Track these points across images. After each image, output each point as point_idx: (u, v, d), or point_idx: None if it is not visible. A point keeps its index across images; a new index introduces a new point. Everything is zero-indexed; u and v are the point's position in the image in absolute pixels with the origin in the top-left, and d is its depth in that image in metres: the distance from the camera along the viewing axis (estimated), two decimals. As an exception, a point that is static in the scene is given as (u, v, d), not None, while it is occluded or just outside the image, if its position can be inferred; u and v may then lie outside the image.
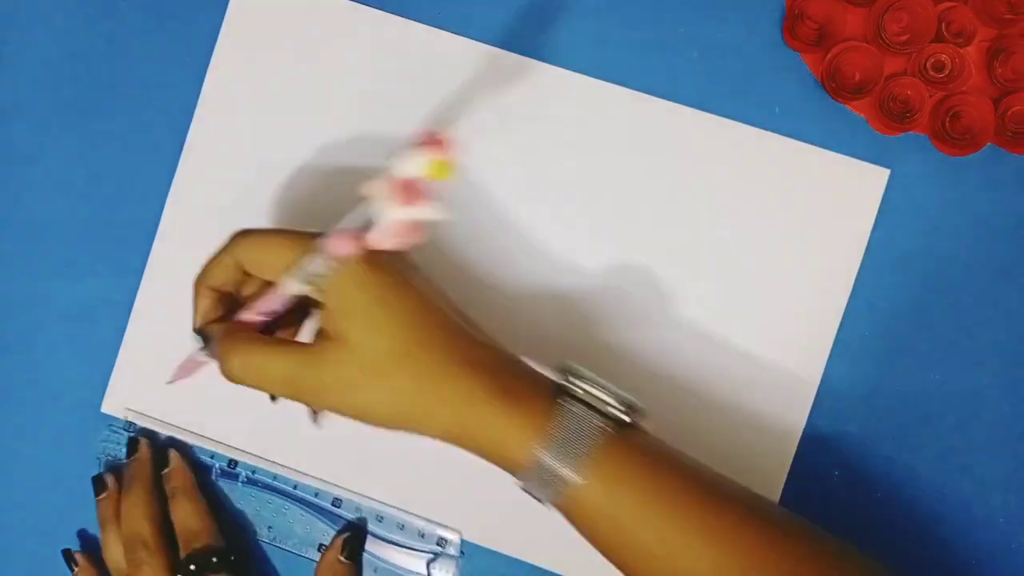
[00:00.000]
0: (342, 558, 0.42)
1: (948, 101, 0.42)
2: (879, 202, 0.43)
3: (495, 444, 0.34)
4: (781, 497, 0.43)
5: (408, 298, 0.34)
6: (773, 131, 0.43)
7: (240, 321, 0.37)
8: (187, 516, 0.41)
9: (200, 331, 0.38)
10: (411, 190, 0.30)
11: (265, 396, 0.37)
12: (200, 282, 0.37)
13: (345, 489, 0.44)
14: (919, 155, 0.43)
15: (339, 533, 0.43)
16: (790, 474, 0.43)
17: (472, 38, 0.44)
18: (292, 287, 0.34)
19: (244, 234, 0.36)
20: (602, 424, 0.34)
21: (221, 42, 0.45)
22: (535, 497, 0.35)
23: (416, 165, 0.30)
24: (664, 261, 0.43)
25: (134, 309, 0.45)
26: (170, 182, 0.45)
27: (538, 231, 0.44)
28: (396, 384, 0.34)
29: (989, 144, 0.42)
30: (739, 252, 0.43)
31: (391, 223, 0.31)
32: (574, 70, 0.44)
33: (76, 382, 0.45)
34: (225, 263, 0.36)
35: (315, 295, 0.34)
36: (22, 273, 0.45)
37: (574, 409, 0.34)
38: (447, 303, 0.37)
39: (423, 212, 0.31)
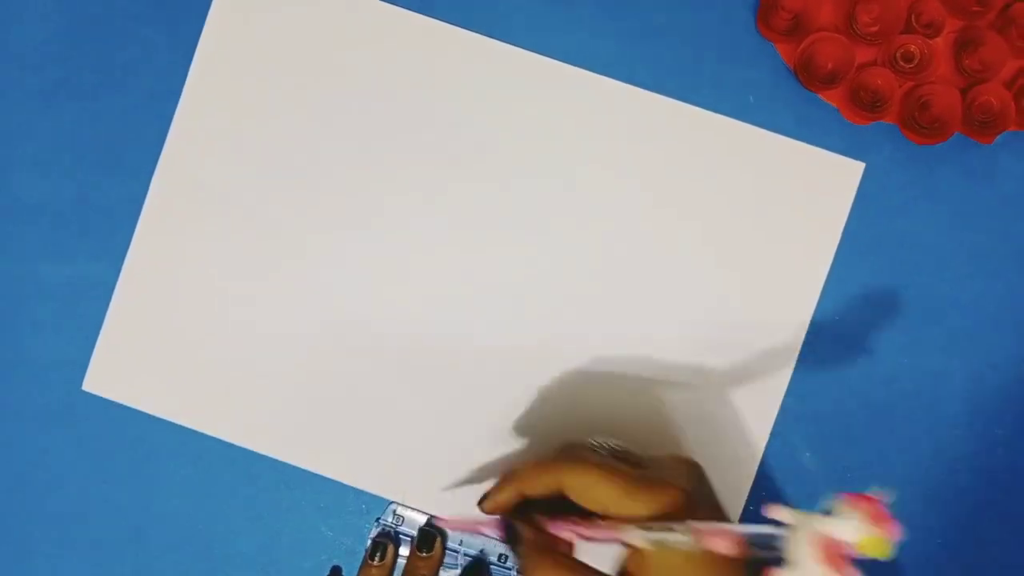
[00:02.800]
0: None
1: (917, 91, 0.43)
2: (853, 195, 0.44)
3: None
4: (755, 476, 0.44)
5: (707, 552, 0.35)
6: (747, 119, 0.44)
7: (551, 535, 0.37)
8: None
9: (511, 527, 0.38)
10: (835, 554, 0.28)
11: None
12: (512, 482, 0.37)
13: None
14: (889, 144, 0.44)
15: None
16: (764, 453, 0.44)
17: (446, 21, 0.44)
18: (635, 540, 0.34)
19: (578, 464, 0.36)
20: None
21: (209, 23, 0.45)
22: None
23: (849, 530, 0.28)
24: (637, 250, 0.44)
25: (116, 291, 0.45)
26: (155, 165, 0.45)
27: (512, 217, 0.44)
28: None
29: (957, 133, 0.43)
30: (713, 241, 0.44)
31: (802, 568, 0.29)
32: (548, 56, 0.44)
33: (58, 362, 0.45)
34: (548, 482, 0.36)
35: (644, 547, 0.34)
36: (5, 254, 0.45)
37: None
38: None
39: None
